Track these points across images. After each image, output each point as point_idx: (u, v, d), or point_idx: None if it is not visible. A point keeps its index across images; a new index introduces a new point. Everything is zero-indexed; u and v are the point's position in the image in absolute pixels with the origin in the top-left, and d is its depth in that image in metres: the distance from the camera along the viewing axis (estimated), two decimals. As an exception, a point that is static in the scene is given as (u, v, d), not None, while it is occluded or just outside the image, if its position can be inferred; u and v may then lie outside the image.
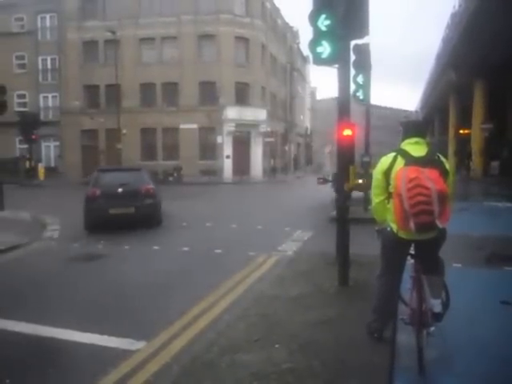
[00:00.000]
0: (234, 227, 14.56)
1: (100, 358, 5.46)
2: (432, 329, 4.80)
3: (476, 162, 35.85)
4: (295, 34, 68.07)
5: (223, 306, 7.12)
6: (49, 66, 47.12)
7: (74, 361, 5.49)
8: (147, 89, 43.77)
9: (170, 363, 5.20)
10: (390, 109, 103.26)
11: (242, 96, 43.84)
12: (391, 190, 4.71)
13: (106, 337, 5.96)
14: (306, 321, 5.96)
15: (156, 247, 11.85)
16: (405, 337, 4.87)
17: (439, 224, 4.42)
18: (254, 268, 9.43)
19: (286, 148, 53.98)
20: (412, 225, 4.40)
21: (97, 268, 10.16)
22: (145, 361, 5.30)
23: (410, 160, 4.63)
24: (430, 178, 4.38)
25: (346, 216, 7.66)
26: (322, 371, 4.67)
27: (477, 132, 35.46)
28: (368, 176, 14.52)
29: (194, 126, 42.85)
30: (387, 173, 4.78)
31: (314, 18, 7.20)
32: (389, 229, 4.85)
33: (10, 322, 6.55)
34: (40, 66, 47.06)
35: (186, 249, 11.46)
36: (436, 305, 4.88)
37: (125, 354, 5.49)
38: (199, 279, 8.82)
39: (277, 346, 5.24)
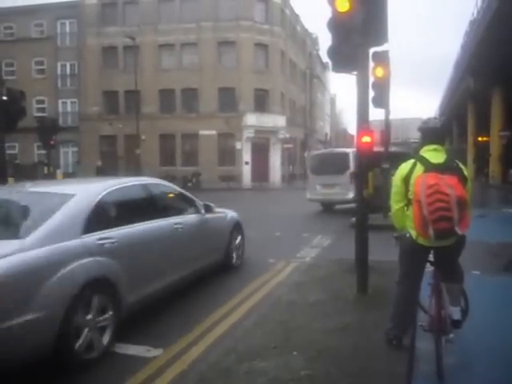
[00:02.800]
0: (252, 234, 14.54)
1: (117, 366, 5.48)
2: (451, 336, 4.77)
3: (494, 169, 35.58)
4: (314, 41, 68.17)
5: (241, 312, 7.11)
6: (68, 72, 47.60)
7: (91, 368, 5.49)
8: (166, 95, 43.99)
9: (187, 371, 5.19)
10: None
11: (261, 102, 43.90)
12: (410, 196, 4.70)
13: (122, 344, 5.96)
14: (324, 328, 5.94)
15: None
16: (424, 344, 4.84)
17: (458, 230, 4.40)
18: (273, 274, 9.41)
19: (305, 155, 53.87)
20: (431, 231, 4.38)
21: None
22: (162, 368, 5.31)
23: (429, 166, 4.62)
24: (449, 184, 4.36)
25: (365, 223, 7.63)
26: (340, 378, 4.65)
27: (495, 139, 35.22)
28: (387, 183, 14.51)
29: (213, 132, 42.96)
30: (406, 179, 4.78)
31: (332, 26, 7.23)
32: (408, 235, 4.84)
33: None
34: (59, 72, 47.55)
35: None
36: (455, 312, 4.86)
37: (142, 361, 5.50)
38: (217, 285, 8.82)
39: (295, 352, 5.23)
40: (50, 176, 39.43)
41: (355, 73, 7.39)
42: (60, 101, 47.49)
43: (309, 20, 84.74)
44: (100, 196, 6.31)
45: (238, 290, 8.24)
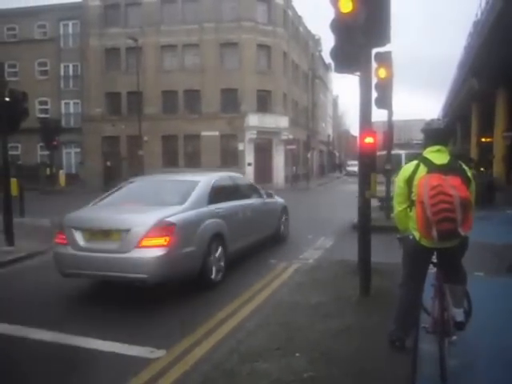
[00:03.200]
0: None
1: (120, 366, 5.49)
2: (454, 338, 4.77)
3: (498, 170, 35.49)
4: (317, 42, 68.09)
5: (244, 313, 7.12)
6: (71, 73, 47.52)
7: (94, 369, 5.51)
8: (169, 96, 43.96)
9: (190, 371, 5.20)
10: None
11: (263, 103, 43.86)
12: (413, 197, 4.69)
13: (126, 345, 5.99)
14: (326, 329, 5.93)
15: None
16: (427, 346, 4.83)
17: (462, 232, 4.39)
18: (275, 276, 9.41)
19: (309, 155, 53.81)
20: (434, 232, 4.37)
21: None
22: (165, 369, 5.32)
23: (433, 168, 4.61)
24: (452, 185, 4.35)
25: (367, 224, 7.62)
26: (342, 380, 4.65)
27: (499, 140, 35.11)
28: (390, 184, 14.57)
29: (216, 133, 42.91)
30: (409, 181, 4.77)
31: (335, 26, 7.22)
32: (411, 237, 4.83)
33: (32, 329, 6.61)
34: (62, 73, 47.46)
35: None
36: (458, 314, 4.84)
37: (145, 362, 5.52)
38: (220, 287, 8.81)
39: (297, 354, 5.23)
40: (53, 177, 39.59)
41: (358, 73, 7.37)
42: (63, 102, 47.44)
43: (311, 21, 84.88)
44: (212, 182, 9.91)
45: (241, 290, 8.25)
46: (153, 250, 7.62)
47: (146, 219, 7.90)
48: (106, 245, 7.85)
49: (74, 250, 8.04)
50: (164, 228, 7.75)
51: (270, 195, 12.98)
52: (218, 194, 9.73)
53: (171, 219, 7.92)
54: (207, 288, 8.47)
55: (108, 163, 41.26)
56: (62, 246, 8.26)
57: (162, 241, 7.68)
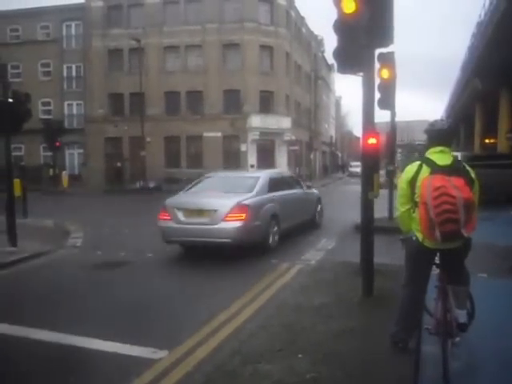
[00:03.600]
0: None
1: (123, 367, 5.49)
2: (457, 339, 4.75)
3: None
4: (320, 43, 68.13)
5: (246, 314, 7.11)
6: (73, 74, 47.59)
7: (97, 369, 5.51)
8: (171, 97, 43.99)
9: (193, 372, 5.19)
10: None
11: (266, 104, 43.86)
12: (416, 199, 4.67)
13: (128, 345, 5.98)
14: (329, 330, 5.92)
15: (179, 255, 11.93)
16: (430, 347, 4.81)
17: (465, 233, 4.38)
18: (277, 277, 9.40)
19: (311, 156, 53.84)
20: (438, 234, 4.35)
21: (120, 276, 10.23)
22: (167, 370, 5.31)
23: (436, 169, 4.60)
24: (456, 186, 4.34)
25: (370, 225, 7.61)
26: (345, 381, 4.64)
27: (502, 141, 35.08)
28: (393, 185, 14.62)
29: (218, 134, 42.93)
30: (412, 182, 4.75)
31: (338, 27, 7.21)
32: (414, 238, 4.81)
33: (33, 329, 6.62)
34: (65, 74, 47.55)
35: (208, 256, 11.50)
36: (461, 315, 4.83)
37: (148, 362, 5.51)
38: (222, 288, 8.82)
39: (300, 355, 5.22)
40: (56, 178, 39.65)
41: (361, 74, 7.37)
42: (66, 103, 47.50)
43: (314, 22, 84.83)
44: (269, 175, 13.52)
45: (243, 291, 8.24)
46: (234, 223, 11.03)
47: (228, 202, 11.31)
48: (200, 219, 11.31)
49: (175, 224, 11.46)
50: (241, 208, 11.18)
51: (308, 187, 16.64)
52: (273, 185, 13.01)
53: (245, 202, 11.39)
54: (266, 250, 11.72)
55: (118, 164, 41.32)
56: (166, 221, 11.66)
57: (240, 216, 11.09)
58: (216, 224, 11.06)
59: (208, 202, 11.61)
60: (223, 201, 11.49)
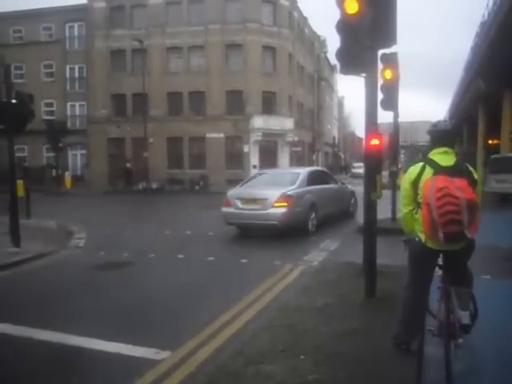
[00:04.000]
0: (260, 237, 14.53)
1: (125, 368, 5.48)
2: (460, 341, 4.74)
3: (505, 172, 35.27)
4: (322, 43, 68.04)
5: (249, 315, 7.10)
6: (76, 75, 47.69)
7: (99, 370, 5.51)
8: (174, 98, 44.01)
9: (195, 373, 5.19)
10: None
11: (268, 105, 43.86)
12: (419, 199, 4.66)
13: (131, 346, 5.98)
14: (331, 332, 5.91)
15: (181, 256, 11.88)
16: (432, 349, 4.79)
17: (468, 234, 4.36)
18: (280, 278, 9.39)
19: (314, 157, 53.80)
20: (441, 235, 4.34)
21: (122, 276, 10.24)
22: (170, 370, 5.31)
23: (439, 170, 4.59)
24: (459, 187, 4.32)
25: (373, 226, 7.60)
26: (347, 383, 4.63)
27: (506, 142, 34.95)
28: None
29: (221, 135, 42.93)
30: (415, 183, 4.74)
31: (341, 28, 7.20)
32: (417, 239, 4.80)
33: (36, 330, 6.62)
34: (68, 75, 47.66)
35: (211, 258, 11.48)
36: (464, 316, 4.81)
37: (150, 363, 5.51)
38: (224, 289, 8.82)
39: (302, 356, 5.21)
40: (59, 179, 39.69)
41: (364, 75, 7.36)
42: (68, 104, 47.60)
43: (317, 22, 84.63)
44: (308, 171, 16.26)
45: (246, 292, 8.23)
46: (280, 209, 14.04)
47: (276, 193, 14.32)
48: (254, 206, 14.41)
49: (235, 210, 14.69)
50: (285, 197, 14.16)
51: (343, 183, 19.70)
52: (311, 179, 15.75)
53: (289, 193, 14.34)
54: (306, 234, 14.38)
55: (128, 165, 41.31)
56: (228, 208, 14.95)
57: (284, 204, 14.05)
58: (266, 210, 14.12)
59: (260, 192, 14.77)
60: (272, 191, 14.48)
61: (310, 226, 14.71)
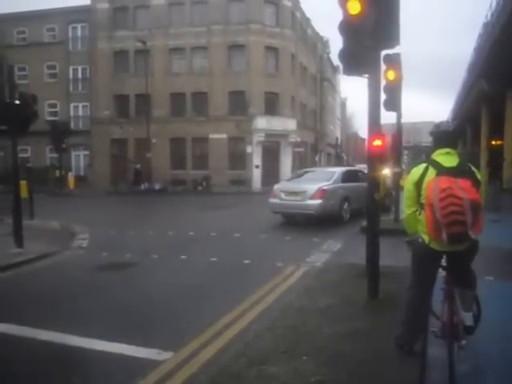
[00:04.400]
0: (262, 237, 14.52)
1: (128, 368, 5.48)
2: (463, 342, 4.72)
3: (508, 173, 35.23)
4: (325, 44, 68.00)
5: (251, 316, 7.10)
6: (79, 76, 47.66)
7: (102, 370, 5.51)
8: (177, 98, 44.01)
9: (198, 374, 5.19)
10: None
11: (271, 106, 43.83)
12: (423, 200, 4.65)
13: (133, 347, 5.98)
14: (334, 333, 5.91)
15: (183, 257, 11.88)
16: (436, 350, 4.78)
17: (472, 235, 4.35)
18: (283, 279, 9.38)
19: (317, 158, 53.80)
20: (444, 235, 4.33)
21: (125, 277, 10.24)
22: (172, 371, 5.31)
23: (442, 170, 4.57)
24: (462, 187, 4.31)
25: (376, 227, 7.58)
26: (350, 384, 4.62)
27: (509, 143, 34.88)
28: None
29: (224, 135, 42.92)
30: (418, 184, 4.73)
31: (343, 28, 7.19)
32: (420, 240, 4.79)
33: (39, 330, 6.62)
34: (71, 76, 47.63)
35: (213, 259, 11.46)
36: (467, 318, 4.79)
37: (152, 364, 5.51)
38: (227, 290, 8.81)
39: (304, 357, 5.20)
40: (62, 179, 39.74)
41: (366, 75, 7.35)
42: (72, 104, 47.57)
43: (320, 23, 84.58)
44: (342, 171, 19.42)
45: (248, 294, 8.22)
46: (317, 200, 16.65)
47: (313, 187, 16.96)
48: (295, 198, 17.19)
49: (279, 201, 17.60)
50: (322, 191, 16.76)
51: None
52: (345, 177, 18.46)
53: (324, 187, 16.94)
54: (341, 222, 17.05)
55: (138, 166, 41.30)
56: (274, 199, 17.88)
57: (320, 197, 16.64)
58: (305, 201, 16.80)
59: (301, 186, 17.62)
60: (311, 186, 17.17)
61: (344, 216, 17.45)
